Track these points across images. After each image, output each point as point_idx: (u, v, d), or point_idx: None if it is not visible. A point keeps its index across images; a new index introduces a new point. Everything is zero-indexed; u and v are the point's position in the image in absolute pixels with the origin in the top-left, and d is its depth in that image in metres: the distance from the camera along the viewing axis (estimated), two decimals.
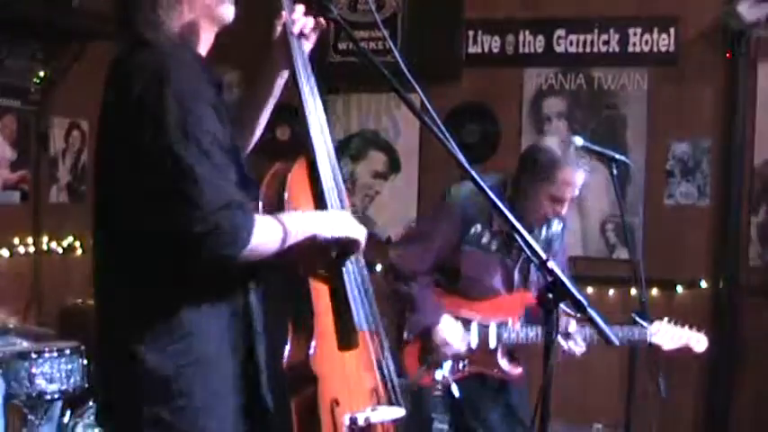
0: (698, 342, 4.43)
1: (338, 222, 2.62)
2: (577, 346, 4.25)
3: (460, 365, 4.33)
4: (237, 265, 2.38)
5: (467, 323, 4.32)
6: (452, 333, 4.27)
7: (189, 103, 2.33)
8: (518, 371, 4.38)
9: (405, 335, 4.36)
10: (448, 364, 4.22)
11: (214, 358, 2.47)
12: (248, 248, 2.35)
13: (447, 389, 4.14)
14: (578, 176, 4.17)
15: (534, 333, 4.25)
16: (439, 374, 4.20)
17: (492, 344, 4.31)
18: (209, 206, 2.28)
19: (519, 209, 4.18)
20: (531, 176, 4.21)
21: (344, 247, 2.65)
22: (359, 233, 2.65)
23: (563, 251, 4.60)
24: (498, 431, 4.39)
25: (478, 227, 4.24)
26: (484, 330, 4.31)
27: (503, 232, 4.23)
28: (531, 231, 4.25)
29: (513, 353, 4.40)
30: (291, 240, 2.48)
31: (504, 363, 4.35)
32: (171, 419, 2.41)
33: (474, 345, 4.30)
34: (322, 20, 2.87)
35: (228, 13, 2.59)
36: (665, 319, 4.41)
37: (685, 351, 4.41)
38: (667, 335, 4.36)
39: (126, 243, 2.43)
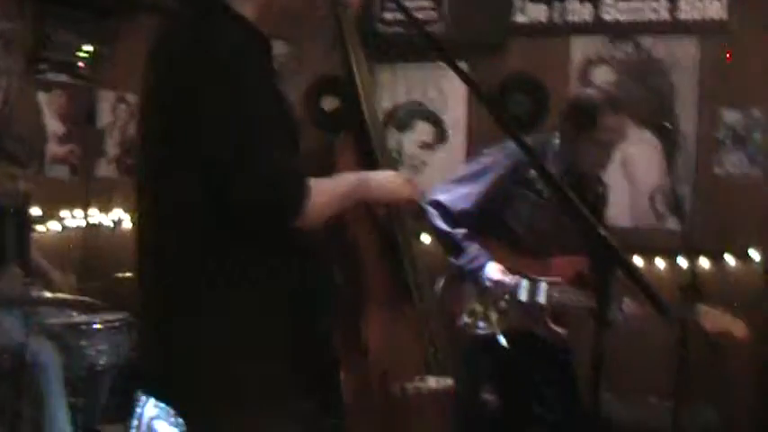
0: (739, 328, 4.39)
1: (389, 183, 2.67)
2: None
3: (507, 317, 4.23)
4: (295, 229, 2.40)
5: (516, 275, 4.24)
6: (503, 273, 4.19)
7: (246, 83, 2.36)
8: (564, 332, 4.30)
9: (449, 277, 4.29)
10: (495, 315, 4.16)
11: (275, 334, 2.46)
12: (305, 212, 2.38)
13: (493, 340, 4.06)
14: (622, 121, 4.13)
15: (585, 297, 4.14)
16: (487, 325, 4.14)
17: (542, 300, 4.23)
18: (264, 173, 2.33)
19: (569, 162, 4.17)
20: (576, 125, 4.15)
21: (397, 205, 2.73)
22: (411, 191, 2.69)
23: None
24: (555, 409, 4.30)
25: (533, 172, 4.08)
26: (534, 285, 4.24)
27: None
28: (581, 184, 4.21)
29: (558, 316, 4.32)
30: (345, 203, 2.56)
31: (550, 322, 4.27)
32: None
33: (523, 298, 4.23)
34: None
35: None
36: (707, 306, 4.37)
37: (728, 336, 4.38)
38: (710, 317, 4.32)
39: (185, 216, 2.42)
